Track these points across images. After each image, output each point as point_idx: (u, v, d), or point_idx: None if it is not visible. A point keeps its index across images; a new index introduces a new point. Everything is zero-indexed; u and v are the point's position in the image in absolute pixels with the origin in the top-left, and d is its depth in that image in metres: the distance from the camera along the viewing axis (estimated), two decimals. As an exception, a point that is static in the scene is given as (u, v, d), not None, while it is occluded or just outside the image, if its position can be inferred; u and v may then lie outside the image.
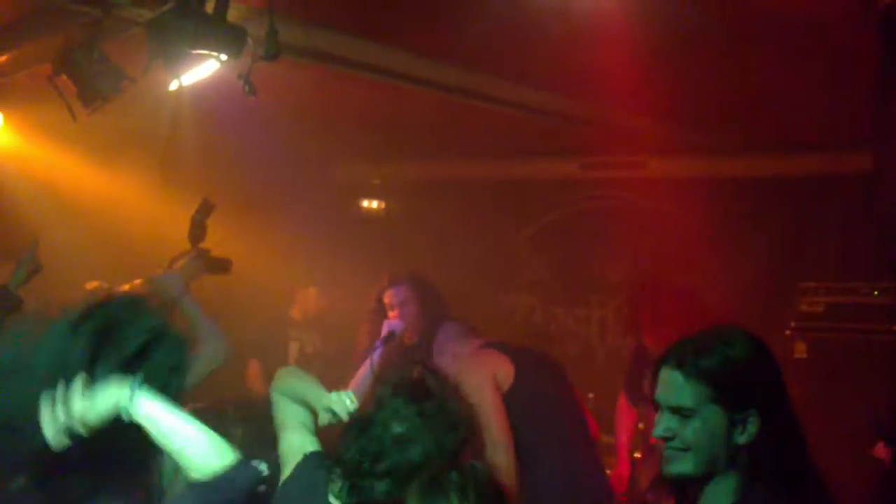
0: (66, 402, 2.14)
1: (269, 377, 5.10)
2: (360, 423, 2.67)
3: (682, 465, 2.33)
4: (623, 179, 8.13)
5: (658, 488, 4.71)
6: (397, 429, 2.58)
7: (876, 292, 6.40)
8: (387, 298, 5.04)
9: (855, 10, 4.14)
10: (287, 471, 2.72)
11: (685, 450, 2.32)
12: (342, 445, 2.65)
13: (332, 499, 2.64)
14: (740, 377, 2.33)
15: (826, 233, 7.08)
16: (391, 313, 5.02)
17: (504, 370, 4.21)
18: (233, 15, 3.98)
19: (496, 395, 4.09)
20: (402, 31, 4.93)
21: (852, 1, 4.08)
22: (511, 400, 4.10)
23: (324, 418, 2.81)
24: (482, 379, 4.08)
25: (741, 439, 2.29)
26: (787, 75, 5.30)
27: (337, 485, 2.62)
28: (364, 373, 4.74)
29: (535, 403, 4.18)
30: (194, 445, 2.21)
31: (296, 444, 2.79)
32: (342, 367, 5.79)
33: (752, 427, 2.29)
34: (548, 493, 4.03)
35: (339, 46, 5.01)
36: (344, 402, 2.77)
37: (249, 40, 3.98)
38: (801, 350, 6.54)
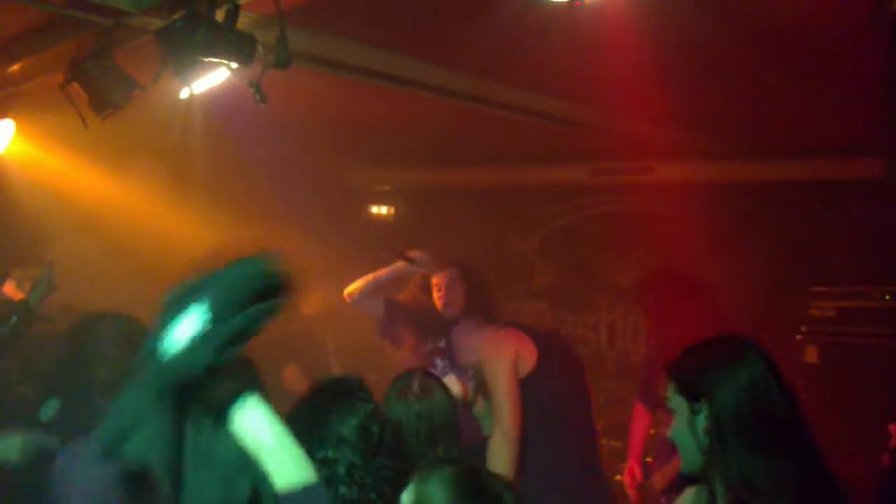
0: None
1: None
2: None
3: (682, 466, 2.45)
4: (633, 185, 8.14)
5: (672, 493, 4.70)
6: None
7: (887, 296, 6.39)
8: (435, 280, 5.16)
9: (863, 18, 4.13)
10: None
11: (681, 447, 2.43)
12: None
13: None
14: (694, 367, 2.43)
15: (835, 237, 7.07)
16: (437, 295, 5.14)
17: (527, 354, 4.14)
18: (243, 23, 3.99)
19: (513, 380, 4.02)
20: (412, 38, 4.94)
21: (861, 9, 4.07)
22: (528, 386, 4.05)
23: None
24: (502, 361, 4.04)
25: (703, 426, 2.34)
26: (795, 82, 5.30)
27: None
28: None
29: (550, 394, 4.12)
30: (282, 458, 2.13)
31: None
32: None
33: (706, 413, 2.34)
34: (541, 492, 3.96)
35: (349, 54, 5.02)
36: None
37: (260, 48, 4.00)
38: (812, 354, 6.53)
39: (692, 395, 2.38)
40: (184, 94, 4.54)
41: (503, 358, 4.06)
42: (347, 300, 5.64)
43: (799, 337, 6.57)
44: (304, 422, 2.64)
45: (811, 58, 4.88)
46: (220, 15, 3.90)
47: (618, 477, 5.87)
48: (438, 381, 3.41)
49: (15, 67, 5.27)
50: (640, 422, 5.59)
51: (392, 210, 9.24)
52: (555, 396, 4.14)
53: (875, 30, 4.01)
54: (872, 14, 4.00)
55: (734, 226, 7.28)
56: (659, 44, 4.57)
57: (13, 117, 5.87)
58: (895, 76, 3.96)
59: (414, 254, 5.46)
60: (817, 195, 7.25)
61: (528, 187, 8.65)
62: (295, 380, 6.49)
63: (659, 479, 5.04)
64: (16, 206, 6.35)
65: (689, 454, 2.40)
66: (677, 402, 2.42)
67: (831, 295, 6.65)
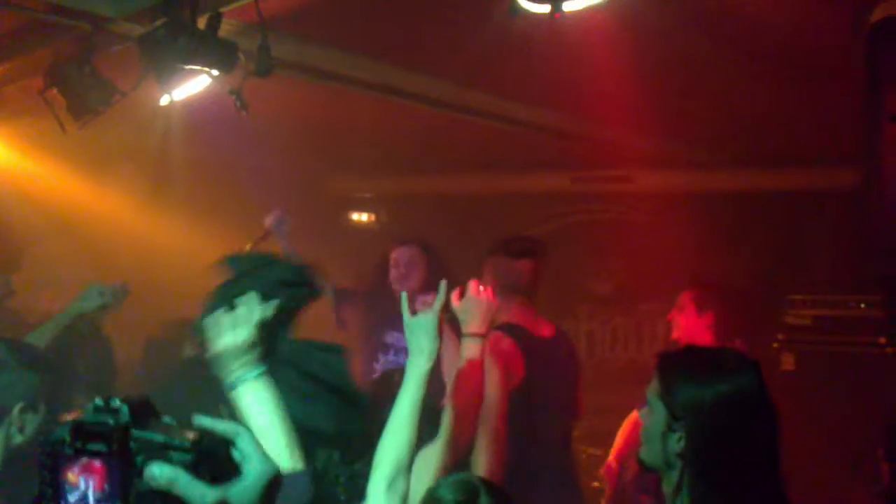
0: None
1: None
2: None
3: (641, 452, 2.42)
4: (613, 193, 8.16)
5: (639, 482, 4.71)
6: None
7: (863, 305, 6.44)
8: (394, 255, 4.88)
9: (841, 29, 4.18)
10: None
11: (646, 439, 2.38)
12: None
13: None
14: (683, 374, 2.33)
15: (812, 246, 7.12)
16: (393, 272, 4.86)
17: (513, 372, 3.98)
18: (225, 30, 3.97)
19: (502, 388, 3.85)
20: (394, 46, 4.94)
21: (839, 20, 4.12)
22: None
23: None
24: (493, 373, 3.82)
25: (676, 447, 2.28)
26: (774, 92, 5.34)
27: None
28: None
29: (528, 413, 4.01)
30: (267, 441, 2.23)
31: None
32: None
33: (682, 435, 2.26)
34: None
35: (331, 62, 5.01)
36: None
37: (241, 56, 3.99)
38: (788, 362, 6.57)
39: (672, 412, 2.28)
40: (164, 100, 4.53)
41: (495, 370, 3.85)
42: None
43: (776, 345, 6.61)
44: None
45: (790, 69, 4.92)
46: (201, 22, 3.89)
47: (595, 484, 5.88)
48: None
49: (-7, 72, 5.24)
50: (631, 424, 5.49)
51: (373, 217, 9.22)
52: (521, 424, 3.99)
53: (853, 41, 4.05)
54: (851, 25, 4.05)
55: (712, 235, 7.31)
56: (639, 54, 4.60)
57: (-9, 122, 5.84)
58: (872, 87, 3.99)
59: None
60: (795, 204, 7.29)
61: (509, 195, 8.66)
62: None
63: (630, 469, 5.03)
64: (-7, 210, 6.31)
65: (653, 455, 2.36)
66: (656, 404, 2.34)
67: (808, 303, 6.69)
